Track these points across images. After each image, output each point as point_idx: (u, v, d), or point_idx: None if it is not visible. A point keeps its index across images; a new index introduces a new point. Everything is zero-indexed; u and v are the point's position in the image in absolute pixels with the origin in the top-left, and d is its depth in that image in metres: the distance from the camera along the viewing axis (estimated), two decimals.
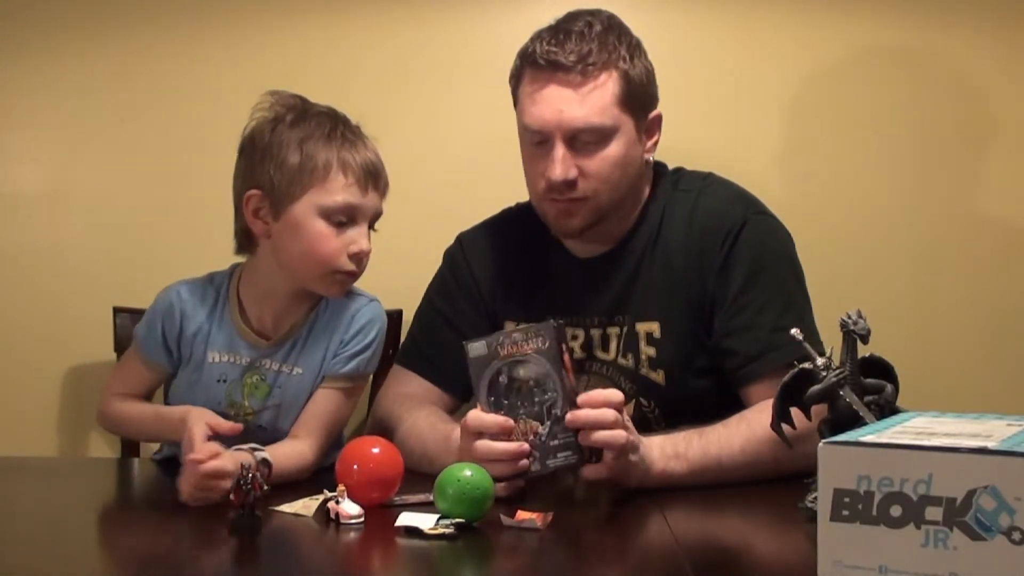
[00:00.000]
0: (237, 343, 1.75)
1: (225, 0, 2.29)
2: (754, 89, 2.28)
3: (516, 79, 1.79)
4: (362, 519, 1.39)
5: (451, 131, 2.26)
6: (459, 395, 1.88)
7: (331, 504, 1.41)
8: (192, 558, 1.35)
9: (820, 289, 2.15)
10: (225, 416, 1.73)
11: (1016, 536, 0.95)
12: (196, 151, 2.25)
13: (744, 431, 1.63)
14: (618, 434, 1.49)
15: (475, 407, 1.55)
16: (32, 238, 2.30)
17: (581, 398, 1.49)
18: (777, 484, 1.58)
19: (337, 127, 1.70)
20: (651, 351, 1.78)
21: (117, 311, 2.14)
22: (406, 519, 1.35)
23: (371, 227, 1.72)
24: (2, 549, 1.36)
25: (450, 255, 1.95)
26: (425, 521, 1.34)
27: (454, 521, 1.34)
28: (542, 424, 1.48)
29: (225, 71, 2.28)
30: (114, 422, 1.82)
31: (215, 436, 1.57)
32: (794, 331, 1.43)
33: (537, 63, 1.73)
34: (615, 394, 1.52)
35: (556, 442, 1.48)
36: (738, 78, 2.28)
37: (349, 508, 1.39)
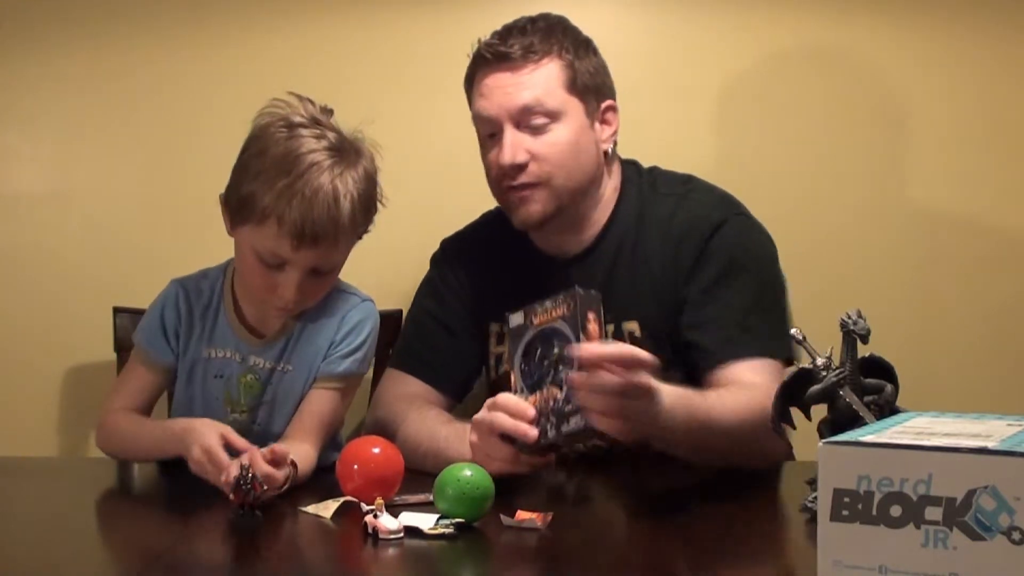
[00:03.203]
0: (232, 340, 1.75)
1: (225, 1, 2.29)
2: (741, 87, 2.29)
3: (468, 82, 1.82)
4: (401, 534, 1.33)
5: (451, 131, 2.26)
6: (453, 395, 1.89)
7: (369, 518, 1.37)
8: (192, 558, 1.35)
9: (819, 289, 2.15)
10: (223, 414, 1.74)
11: (1016, 536, 0.95)
12: (196, 151, 2.26)
13: (742, 398, 1.61)
14: (612, 403, 1.41)
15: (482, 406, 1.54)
16: (32, 238, 2.30)
17: (587, 350, 1.41)
18: (777, 484, 1.58)
19: (304, 173, 1.60)
20: None
21: (117, 311, 2.14)
22: (406, 519, 1.35)
23: (320, 273, 1.67)
24: (2, 549, 1.36)
25: (435, 261, 1.97)
26: (425, 521, 1.34)
27: (454, 521, 1.34)
28: (560, 391, 1.46)
29: (225, 71, 2.28)
30: (114, 438, 1.75)
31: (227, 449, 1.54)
32: (794, 331, 1.42)
33: (483, 57, 1.77)
34: (628, 351, 1.43)
35: (569, 407, 1.44)
36: (724, 77, 2.29)
37: (388, 523, 1.35)
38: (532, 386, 1.51)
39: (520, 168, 1.75)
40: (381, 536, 1.34)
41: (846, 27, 2.28)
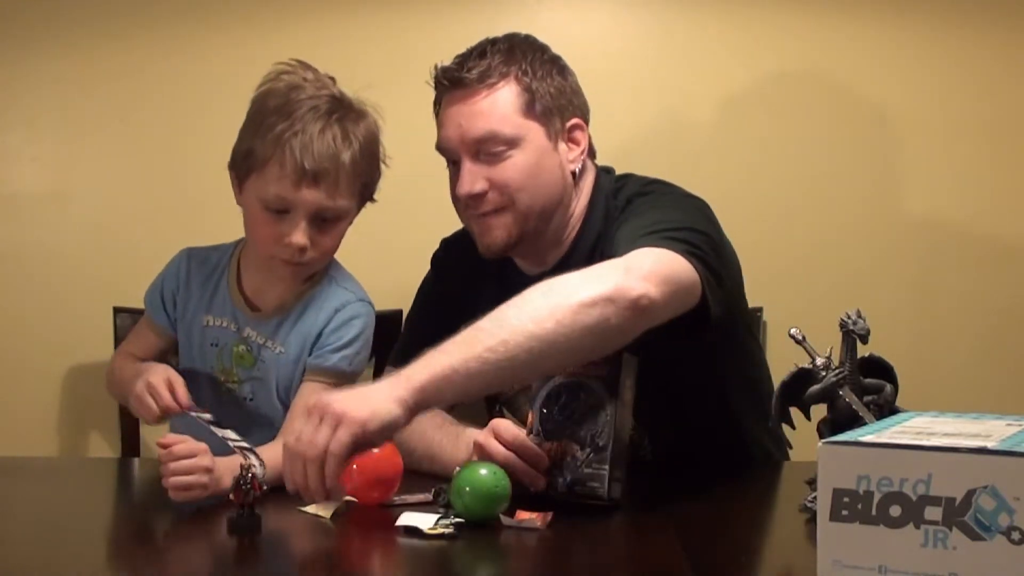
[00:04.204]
0: (230, 308, 1.78)
1: (225, 1, 2.29)
2: (735, 88, 2.29)
3: (436, 107, 1.80)
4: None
5: None
6: None
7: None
8: (192, 558, 1.35)
9: (819, 289, 2.15)
10: (217, 383, 1.76)
11: (1015, 536, 0.95)
12: (196, 151, 2.26)
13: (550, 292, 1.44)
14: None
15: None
16: (32, 238, 2.30)
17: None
18: (777, 484, 1.57)
19: (301, 117, 1.65)
20: None
21: (117, 311, 2.14)
22: (406, 519, 1.35)
23: (326, 221, 1.69)
24: (2, 549, 1.36)
25: (435, 260, 1.97)
26: (425, 521, 1.34)
27: (454, 521, 1.34)
28: (582, 450, 1.46)
29: (224, 71, 2.28)
30: (108, 378, 1.84)
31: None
32: (794, 331, 1.42)
33: (442, 84, 1.75)
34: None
35: (590, 471, 1.45)
36: (729, 79, 2.29)
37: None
38: (549, 432, 1.49)
39: (479, 197, 1.73)
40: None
41: (845, 33, 2.28)
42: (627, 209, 1.73)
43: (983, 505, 0.96)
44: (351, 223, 1.75)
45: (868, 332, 1.37)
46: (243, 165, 1.69)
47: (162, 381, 1.63)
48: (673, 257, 1.51)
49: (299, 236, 1.67)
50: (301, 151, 1.63)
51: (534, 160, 1.73)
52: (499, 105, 1.71)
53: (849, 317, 1.38)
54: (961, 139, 2.29)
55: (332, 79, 1.74)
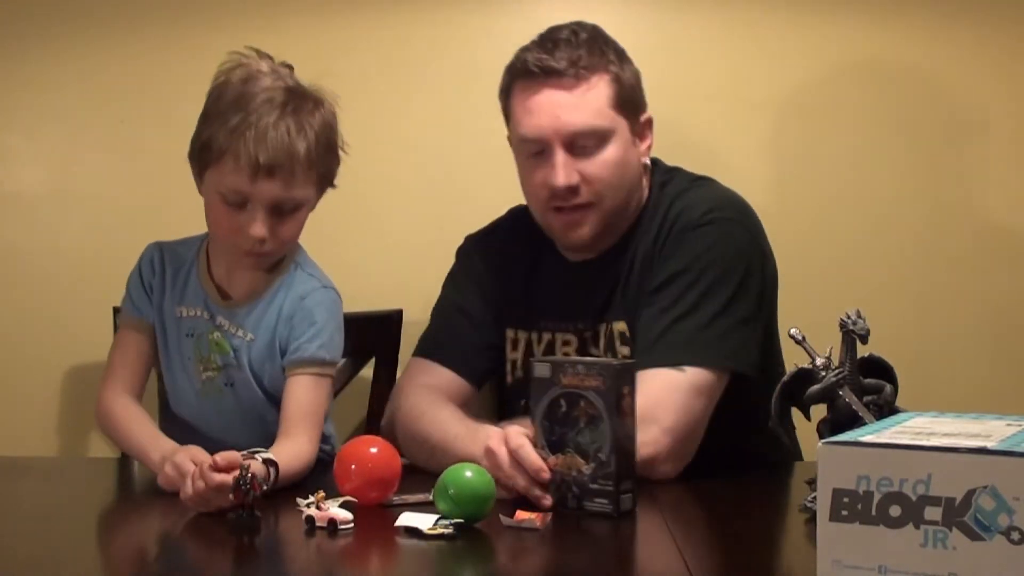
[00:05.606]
0: (202, 297, 1.79)
1: (226, 2, 2.29)
2: (751, 89, 2.28)
3: (506, 94, 1.79)
4: (351, 524, 1.35)
5: (452, 131, 2.26)
6: (476, 383, 1.88)
7: (315, 512, 1.37)
8: (191, 558, 1.35)
9: (818, 289, 2.15)
10: (197, 373, 1.78)
11: (1015, 536, 0.95)
12: None
13: None
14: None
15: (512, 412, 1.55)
16: (32, 238, 2.30)
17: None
18: (777, 484, 1.57)
19: (256, 109, 1.65)
20: (625, 349, 1.77)
21: (117, 311, 2.14)
22: (405, 519, 1.35)
23: (284, 212, 1.69)
24: (2, 549, 1.36)
25: (461, 253, 1.96)
26: (425, 521, 1.34)
27: (454, 521, 1.34)
28: (586, 463, 1.45)
29: None
30: (107, 427, 1.77)
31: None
32: (793, 331, 1.42)
33: (529, 71, 1.73)
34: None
35: (596, 486, 1.44)
36: (731, 78, 2.29)
37: (342, 513, 1.36)
38: (553, 444, 1.48)
39: (571, 190, 1.72)
40: (341, 527, 1.34)
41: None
42: (675, 276, 1.71)
43: (983, 505, 0.96)
44: (312, 209, 1.75)
45: (868, 332, 1.37)
46: (200, 157, 1.71)
47: (186, 460, 1.50)
48: (698, 395, 1.64)
49: (258, 228, 1.68)
50: (255, 144, 1.63)
51: (621, 155, 1.74)
52: (596, 98, 1.72)
53: (849, 317, 1.38)
54: (955, 136, 2.29)
55: (290, 67, 1.74)
